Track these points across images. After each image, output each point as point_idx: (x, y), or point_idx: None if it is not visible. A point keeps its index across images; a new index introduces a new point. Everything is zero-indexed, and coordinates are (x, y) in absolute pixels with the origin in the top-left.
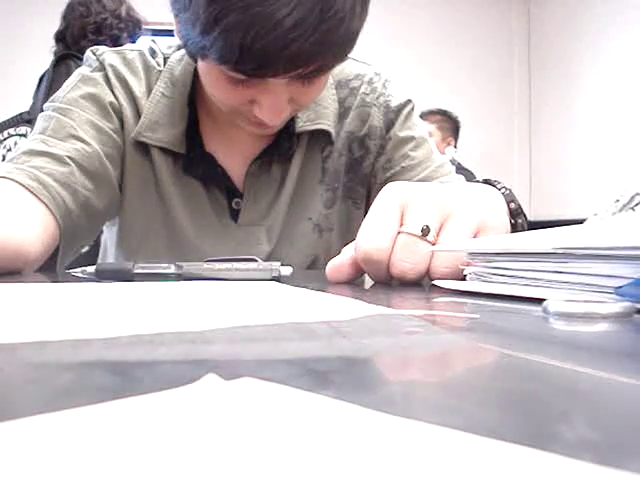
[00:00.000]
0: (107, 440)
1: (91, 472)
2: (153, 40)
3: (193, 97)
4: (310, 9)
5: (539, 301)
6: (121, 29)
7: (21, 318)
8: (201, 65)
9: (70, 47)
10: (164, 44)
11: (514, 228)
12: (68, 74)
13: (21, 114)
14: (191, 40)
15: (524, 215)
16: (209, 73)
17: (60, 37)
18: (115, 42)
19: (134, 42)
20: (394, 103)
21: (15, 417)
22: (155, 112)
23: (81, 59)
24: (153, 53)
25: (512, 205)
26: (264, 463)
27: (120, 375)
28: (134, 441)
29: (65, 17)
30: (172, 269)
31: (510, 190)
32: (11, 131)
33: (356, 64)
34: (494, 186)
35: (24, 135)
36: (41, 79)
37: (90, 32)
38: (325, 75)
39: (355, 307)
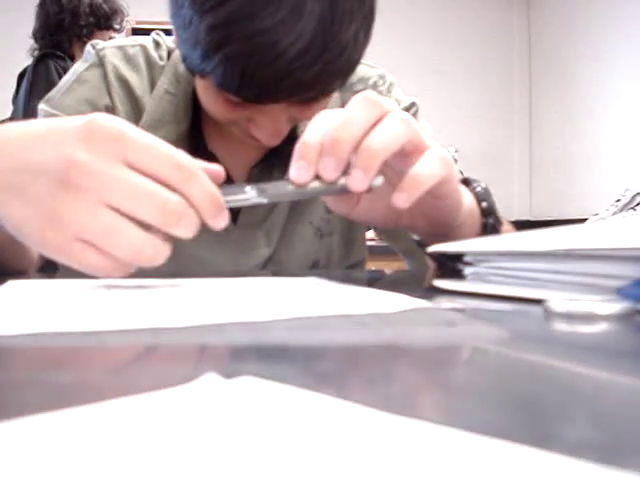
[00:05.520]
0: (107, 439)
1: (91, 471)
2: (158, 33)
3: (195, 95)
4: (313, 39)
5: (539, 301)
6: (82, 27)
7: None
8: (198, 82)
9: (38, 42)
10: (168, 39)
11: (484, 228)
12: (48, 74)
13: (2, 121)
14: (190, 59)
15: (496, 216)
16: (206, 91)
17: (34, 35)
18: (79, 38)
19: (118, 31)
20: (399, 107)
21: (15, 417)
22: (158, 110)
23: (62, 58)
24: (157, 45)
25: (483, 204)
26: (264, 461)
27: (121, 374)
28: (134, 440)
29: (36, 17)
30: (254, 193)
31: (486, 189)
32: None
33: (360, 66)
34: (470, 185)
35: None
36: (20, 78)
37: (50, 34)
38: (326, 98)
39: (399, 301)
